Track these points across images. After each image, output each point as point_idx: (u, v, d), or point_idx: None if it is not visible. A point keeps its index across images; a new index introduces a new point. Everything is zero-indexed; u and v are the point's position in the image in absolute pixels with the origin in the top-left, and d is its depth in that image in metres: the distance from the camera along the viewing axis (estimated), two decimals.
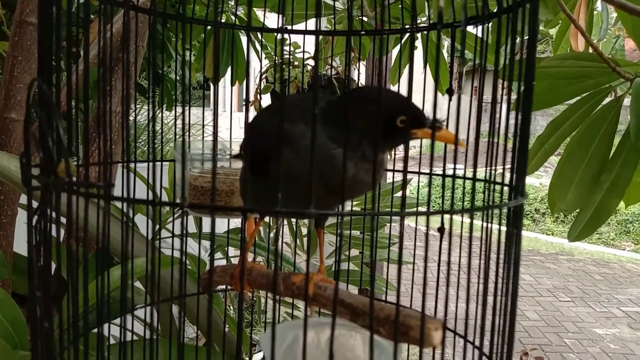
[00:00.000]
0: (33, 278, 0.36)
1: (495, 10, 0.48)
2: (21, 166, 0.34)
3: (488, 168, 0.49)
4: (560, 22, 1.64)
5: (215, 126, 0.32)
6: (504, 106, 0.55)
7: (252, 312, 2.31)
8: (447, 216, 0.40)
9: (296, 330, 0.47)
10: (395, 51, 1.54)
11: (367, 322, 0.39)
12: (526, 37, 0.45)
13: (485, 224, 0.42)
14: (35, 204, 0.38)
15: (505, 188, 0.47)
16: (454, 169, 0.38)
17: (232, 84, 1.71)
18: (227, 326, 0.94)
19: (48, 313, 0.36)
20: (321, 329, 0.47)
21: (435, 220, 0.47)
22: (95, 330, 0.58)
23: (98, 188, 0.31)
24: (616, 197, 1.03)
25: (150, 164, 0.50)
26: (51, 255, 0.37)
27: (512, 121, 0.48)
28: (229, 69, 1.61)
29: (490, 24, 0.57)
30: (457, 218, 0.48)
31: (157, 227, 1.08)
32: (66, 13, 0.40)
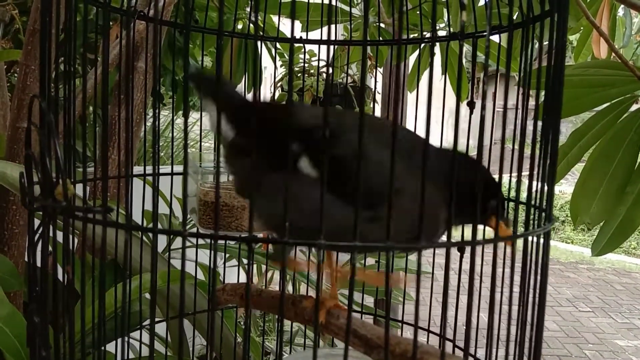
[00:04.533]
0: (31, 303, 0.34)
1: (519, 20, 0.46)
2: (20, 187, 0.32)
3: (513, 179, 0.47)
4: (582, 28, 1.60)
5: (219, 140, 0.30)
6: (521, 113, 0.52)
7: (265, 320, 2.29)
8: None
9: None
10: (412, 57, 1.52)
11: (382, 356, 0.37)
12: (546, 43, 0.43)
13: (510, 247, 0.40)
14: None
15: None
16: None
17: (248, 91, 1.70)
18: (239, 337, 0.92)
19: (46, 339, 0.35)
20: None
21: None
22: (102, 346, 0.56)
23: (96, 213, 0.30)
24: None
25: (156, 177, 0.48)
26: (51, 278, 0.35)
27: (531, 127, 0.46)
28: (244, 76, 1.60)
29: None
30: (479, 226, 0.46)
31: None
32: (82, 22, 0.39)
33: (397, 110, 0.79)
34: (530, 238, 0.37)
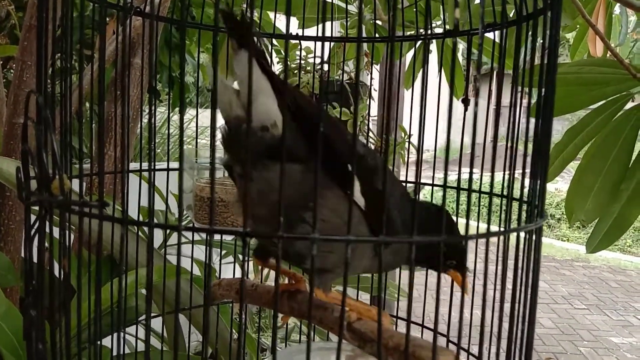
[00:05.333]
0: (28, 296, 0.35)
1: (515, 18, 0.46)
2: (17, 182, 0.32)
3: (506, 176, 0.48)
4: (578, 26, 1.61)
5: (213, 136, 0.30)
6: (520, 110, 0.53)
7: (260, 316, 2.29)
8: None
9: (301, 355, 0.45)
10: (409, 54, 1.52)
11: (376, 349, 0.37)
12: (540, 41, 0.43)
13: (502, 243, 0.40)
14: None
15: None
16: (469, 187, 0.36)
17: None
18: (235, 334, 0.93)
19: (43, 333, 0.35)
20: (327, 355, 0.45)
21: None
22: (97, 342, 0.57)
23: (92, 207, 0.30)
24: (636, 207, 1.00)
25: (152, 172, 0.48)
26: (47, 273, 0.36)
27: (527, 125, 0.46)
28: None
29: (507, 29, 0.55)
30: (472, 223, 0.47)
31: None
32: (79, 17, 0.39)
33: (392, 107, 0.79)
34: (522, 234, 0.37)
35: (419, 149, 0.46)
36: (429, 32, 0.67)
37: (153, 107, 0.37)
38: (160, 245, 1.20)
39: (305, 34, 0.88)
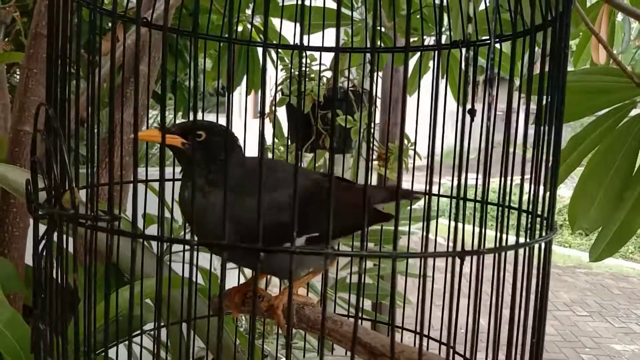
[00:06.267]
0: (36, 309, 0.34)
1: (523, 29, 0.46)
2: (26, 194, 0.32)
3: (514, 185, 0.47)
4: (581, 34, 1.61)
5: (227, 151, 0.30)
6: (523, 117, 0.53)
7: (264, 322, 2.28)
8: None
9: None
10: (412, 60, 1.52)
11: None
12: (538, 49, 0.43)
13: (515, 256, 0.40)
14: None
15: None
16: (484, 198, 0.36)
17: (248, 93, 1.71)
18: (238, 342, 0.92)
19: (51, 346, 0.35)
20: None
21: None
22: (106, 352, 0.57)
23: (102, 221, 0.30)
24: None
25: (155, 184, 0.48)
26: (56, 285, 0.36)
27: (530, 131, 0.46)
28: (244, 78, 1.60)
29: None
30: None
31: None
32: (88, 23, 0.39)
33: (404, 115, 0.79)
34: (534, 246, 0.37)
35: (428, 160, 0.46)
36: (438, 42, 0.67)
37: (162, 117, 0.37)
38: (165, 251, 1.20)
39: (310, 42, 0.88)
